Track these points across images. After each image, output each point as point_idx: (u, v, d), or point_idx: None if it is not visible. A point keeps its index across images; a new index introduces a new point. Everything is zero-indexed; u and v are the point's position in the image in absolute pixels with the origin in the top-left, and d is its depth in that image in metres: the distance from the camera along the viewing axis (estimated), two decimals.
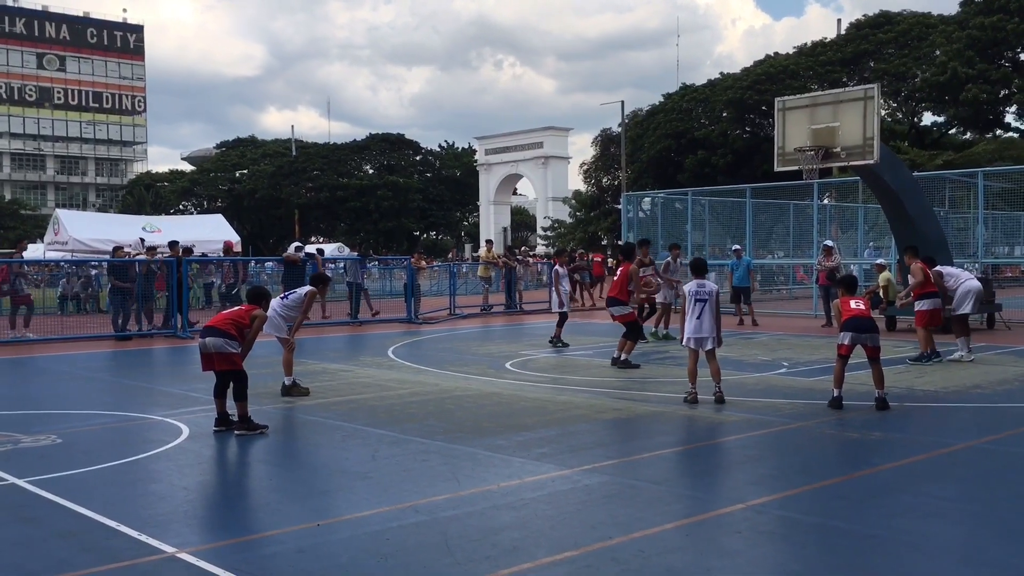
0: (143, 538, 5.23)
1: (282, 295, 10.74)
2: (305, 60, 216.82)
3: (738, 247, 21.30)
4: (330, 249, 44.53)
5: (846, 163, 16.43)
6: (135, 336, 18.03)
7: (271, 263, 31.88)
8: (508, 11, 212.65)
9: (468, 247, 74.90)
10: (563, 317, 15.89)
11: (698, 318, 9.69)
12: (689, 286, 9.93)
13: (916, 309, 13.13)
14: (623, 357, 12.68)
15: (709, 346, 9.69)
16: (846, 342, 9.34)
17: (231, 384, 8.41)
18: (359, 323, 21.32)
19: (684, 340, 9.87)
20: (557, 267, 16.67)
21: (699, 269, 10.09)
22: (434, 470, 6.84)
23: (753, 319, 20.08)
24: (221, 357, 8.34)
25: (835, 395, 9.45)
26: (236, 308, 9.04)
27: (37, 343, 17.21)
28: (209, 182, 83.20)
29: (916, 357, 12.95)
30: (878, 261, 20.37)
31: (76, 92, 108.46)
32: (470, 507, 5.83)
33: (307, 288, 10.54)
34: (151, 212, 63.98)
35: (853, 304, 9.52)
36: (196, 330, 18.53)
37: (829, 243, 20.28)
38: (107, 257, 21.56)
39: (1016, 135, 49.84)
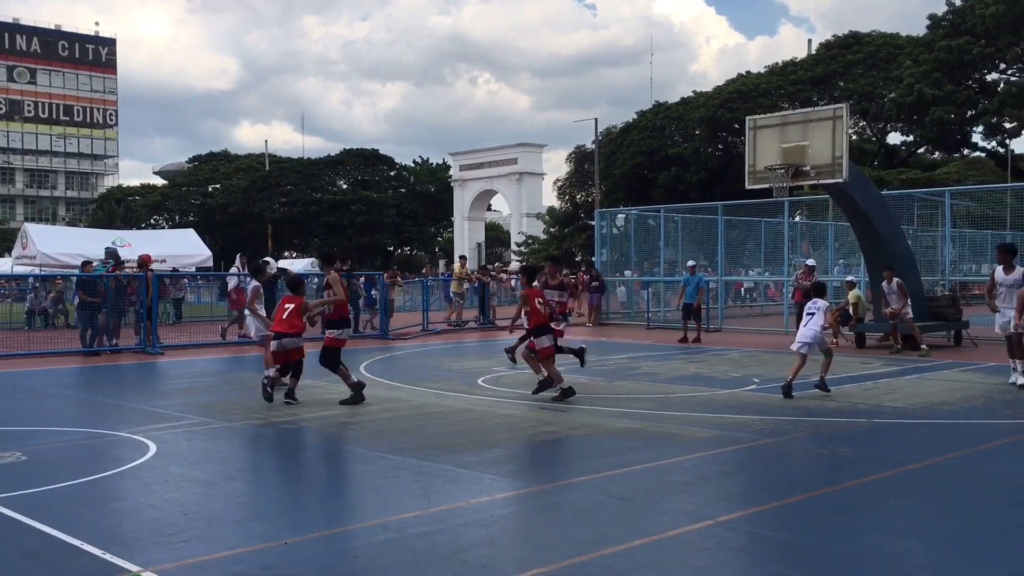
0: (108, 557, 5.17)
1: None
2: (279, 75, 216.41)
3: (692, 263, 21.24)
4: (303, 264, 44.36)
5: (816, 181, 16.62)
6: (104, 352, 17.83)
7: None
8: (483, 28, 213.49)
9: (442, 263, 74.84)
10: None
11: (805, 327, 11.53)
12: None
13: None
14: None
15: (819, 348, 11.49)
16: (548, 344, 11.30)
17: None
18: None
19: (793, 345, 11.69)
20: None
21: (817, 290, 12.11)
22: (404, 487, 6.82)
23: (698, 336, 19.84)
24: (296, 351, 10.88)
25: (565, 387, 11.09)
26: (285, 307, 10.98)
27: (2, 359, 16.96)
28: (181, 196, 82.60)
29: None
30: (848, 278, 20.58)
31: (47, 105, 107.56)
32: (440, 524, 5.81)
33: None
34: (122, 226, 63.38)
35: (540, 305, 11.33)
36: (165, 346, 18.40)
37: (811, 262, 20.42)
38: (76, 271, 21.32)
39: (983, 155, 50.67)
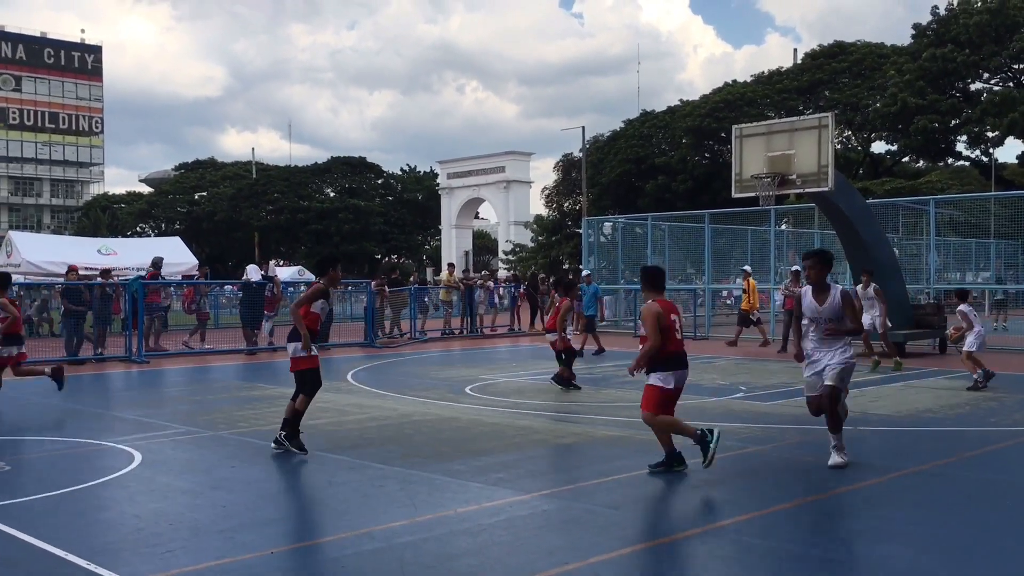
0: (92, 567, 5.13)
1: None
2: (266, 82, 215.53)
3: (587, 272, 20.86)
4: (290, 272, 44.21)
5: (802, 190, 16.71)
6: (89, 360, 17.72)
7: (229, 286, 31.55)
8: (470, 36, 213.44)
9: (429, 271, 74.78)
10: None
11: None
12: (967, 308, 13.06)
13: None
14: None
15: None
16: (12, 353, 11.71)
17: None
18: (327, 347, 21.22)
19: (970, 347, 12.92)
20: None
21: (964, 296, 13.49)
22: (391, 496, 6.80)
23: (598, 345, 18.63)
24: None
25: None
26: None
27: None
28: (167, 204, 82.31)
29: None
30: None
31: (32, 112, 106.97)
32: (427, 533, 5.79)
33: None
34: (107, 234, 63.02)
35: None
36: (150, 355, 18.31)
37: (798, 268, 20.39)
38: (60, 280, 21.20)
39: (967, 164, 51.02)
